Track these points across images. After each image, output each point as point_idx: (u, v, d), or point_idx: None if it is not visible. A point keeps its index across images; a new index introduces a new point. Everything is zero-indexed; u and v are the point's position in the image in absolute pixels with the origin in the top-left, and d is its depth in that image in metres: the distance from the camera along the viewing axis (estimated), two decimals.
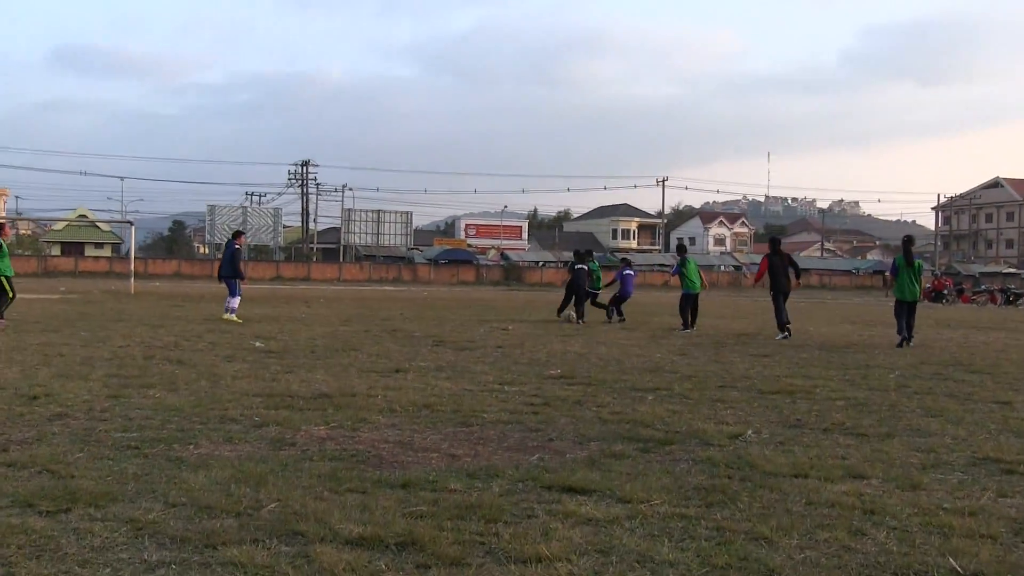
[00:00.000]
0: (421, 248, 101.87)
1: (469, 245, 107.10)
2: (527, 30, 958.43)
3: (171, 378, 10.51)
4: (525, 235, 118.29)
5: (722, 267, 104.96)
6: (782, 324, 19.33)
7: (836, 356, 15.22)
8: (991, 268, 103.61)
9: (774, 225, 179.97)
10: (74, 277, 72.34)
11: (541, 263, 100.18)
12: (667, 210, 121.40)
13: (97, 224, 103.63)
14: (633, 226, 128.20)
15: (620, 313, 24.76)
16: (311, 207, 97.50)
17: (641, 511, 5.15)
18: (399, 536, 4.54)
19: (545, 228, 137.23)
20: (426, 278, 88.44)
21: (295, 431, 7.39)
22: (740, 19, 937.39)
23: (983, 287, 61.60)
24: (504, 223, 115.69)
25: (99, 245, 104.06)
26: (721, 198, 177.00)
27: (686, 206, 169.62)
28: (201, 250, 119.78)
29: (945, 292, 55.26)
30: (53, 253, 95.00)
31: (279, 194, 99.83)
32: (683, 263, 22.60)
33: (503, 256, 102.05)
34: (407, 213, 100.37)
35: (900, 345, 17.37)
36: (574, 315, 23.87)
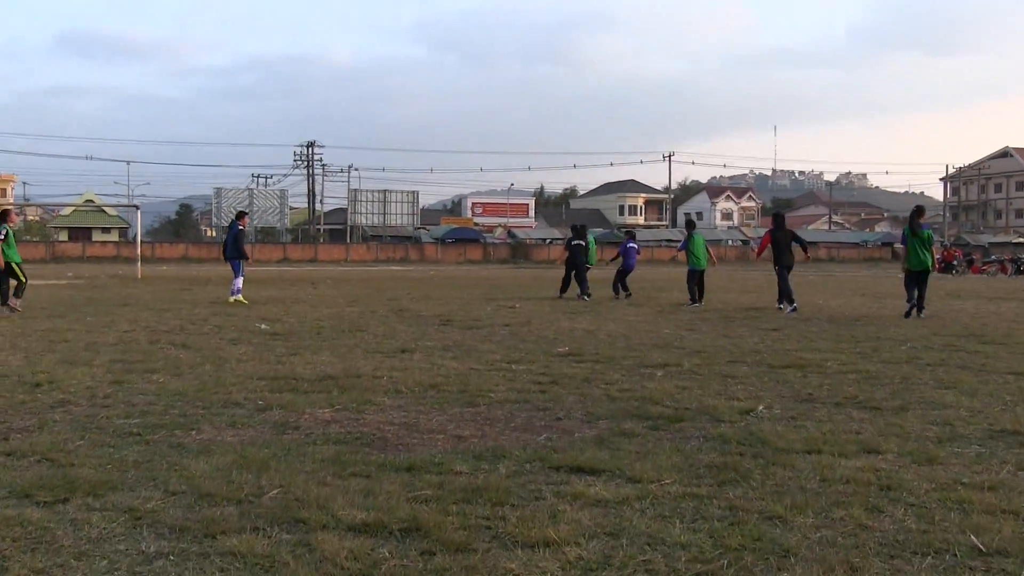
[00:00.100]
0: (428, 227, 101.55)
1: (476, 224, 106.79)
2: (533, 7, 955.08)
3: (175, 362, 10.42)
4: (532, 213, 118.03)
5: (729, 241, 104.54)
6: (789, 296, 19.22)
7: (846, 329, 15.07)
8: (1001, 238, 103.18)
9: (781, 199, 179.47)
10: (82, 262, 72.29)
11: (548, 240, 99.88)
12: (674, 185, 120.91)
13: (104, 209, 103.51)
14: (640, 202, 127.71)
15: (625, 288, 24.62)
16: (317, 188, 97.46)
17: (651, 491, 5.03)
18: (403, 522, 4.43)
19: (552, 205, 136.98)
20: (433, 257, 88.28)
21: (299, 414, 7.29)
22: None
23: (993, 257, 61.34)
24: (511, 201, 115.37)
25: (106, 230, 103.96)
26: (728, 172, 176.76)
27: (693, 181, 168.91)
28: (208, 233, 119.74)
29: (955, 263, 54.95)
30: (60, 239, 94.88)
31: (285, 175, 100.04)
32: (689, 238, 22.45)
33: (510, 234, 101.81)
34: (413, 192, 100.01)
35: (908, 315, 17.33)
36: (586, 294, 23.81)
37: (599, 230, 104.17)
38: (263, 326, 15.03)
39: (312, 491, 4.94)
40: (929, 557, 4.04)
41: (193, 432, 6.60)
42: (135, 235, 64.06)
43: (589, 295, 23.61)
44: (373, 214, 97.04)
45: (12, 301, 17.51)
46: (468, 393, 8.36)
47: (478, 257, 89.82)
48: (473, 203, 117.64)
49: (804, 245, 20.16)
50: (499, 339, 13.25)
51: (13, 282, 17.81)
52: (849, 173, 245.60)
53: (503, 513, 4.62)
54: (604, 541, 4.23)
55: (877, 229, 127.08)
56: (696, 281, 21.69)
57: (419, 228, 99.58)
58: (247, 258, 22.33)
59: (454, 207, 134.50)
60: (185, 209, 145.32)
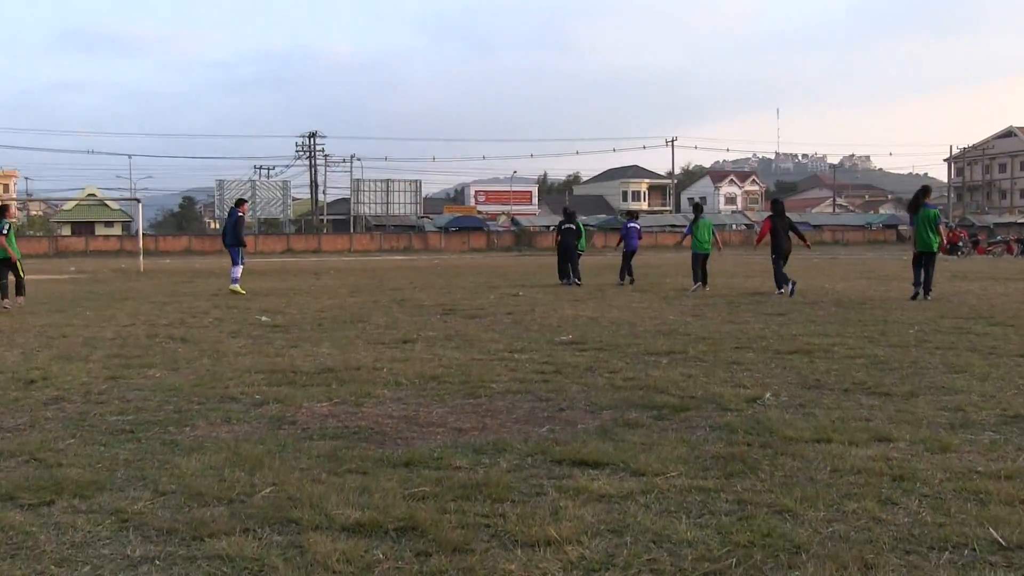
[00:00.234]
0: (431, 216, 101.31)
1: (479, 212, 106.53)
2: None
3: (173, 357, 10.27)
4: (535, 200, 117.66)
5: (733, 226, 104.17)
6: (782, 280, 19.26)
7: (853, 312, 14.89)
8: (1006, 219, 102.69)
9: (785, 182, 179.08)
10: (85, 257, 72.20)
11: (552, 227, 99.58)
12: (677, 170, 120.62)
13: (106, 203, 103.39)
14: (643, 187, 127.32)
15: (630, 273, 24.47)
16: (320, 179, 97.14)
17: (656, 484, 4.87)
18: (399, 521, 4.27)
19: (555, 192, 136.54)
20: (437, 246, 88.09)
21: (296, 408, 7.14)
22: None
23: (999, 238, 61.00)
24: (514, 188, 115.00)
25: (109, 224, 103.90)
26: (731, 156, 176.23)
27: (696, 166, 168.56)
28: (212, 225, 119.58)
29: (960, 244, 54.61)
30: (64, 233, 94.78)
31: (287, 167, 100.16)
32: (693, 222, 22.33)
33: (514, 222, 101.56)
34: (416, 181, 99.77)
35: (914, 297, 17.27)
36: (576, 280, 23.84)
37: (603, 216, 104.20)
38: (264, 318, 14.88)
39: (306, 489, 4.78)
40: (947, 552, 3.87)
41: (187, 428, 6.45)
42: (137, 229, 63.95)
43: (580, 282, 23.67)
44: (376, 204, 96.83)
45: (6, 301, 17.37)
46: (470, 384, 8.20)
47: (482, 245, 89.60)
48: (476, 191, 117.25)
49: (801, 235, 20.37)
50: (502, 328, 13.09)
51: (12, 278, 17.70)
52: (853, 155, 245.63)
53: (503, 510, 4.46)
54: (607, 539, 4.06)
55: (881, 211, 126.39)
56: (699, 264, 21.61)
57: (422, 217, 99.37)
58: (244, 245, 22.28)
59: (457, 195, 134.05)
60: (188, 202, 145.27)
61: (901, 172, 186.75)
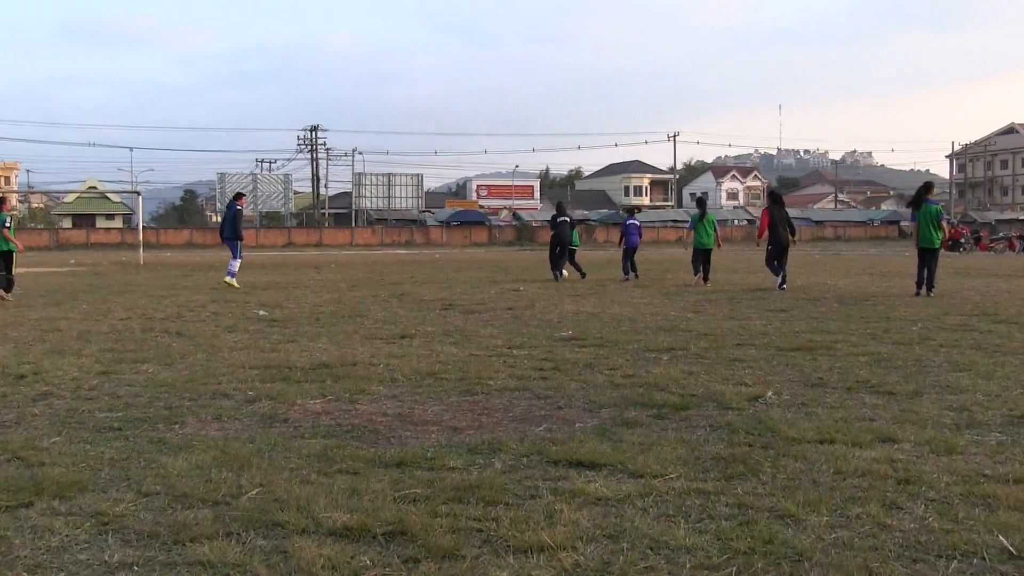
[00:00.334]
0: (433, 210, 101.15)
1: (481, 206, 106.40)
2: None
3: (167, 351, 10.14)
4: (537, 194, 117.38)
5: (735, 221, 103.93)
6: (776, 270, 19.42)
7: (856, 309, 14.75)
8: (1008, 215, 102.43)
9: (787, 178, 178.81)
10: (86, 249, 72.12)
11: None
12: (679, 165, 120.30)
13: (107, 195, 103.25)
14: (645, 182, 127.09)
15: (634, 269, 24.34)
16: (321, 172, 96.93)
17: (655, 487, 4.73)
18: (388, 524, 4.12)
19: (557, 187, 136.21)
20: (438, 240, 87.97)
21: (289, 405, 7.00)
22: None
23: (1001, 234, 60.78)
24: (516, 183, 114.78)
25: (110, 217, 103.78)
26: (733, 152, 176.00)
27: (698, 161, 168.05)
28: (213, 219, 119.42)
29: (962, 240, 54.42)
30: (64, 226, 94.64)
31: (289, 160, 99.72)
32: (701, 217, 22.11)
33: (515, 216, 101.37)
34: (418, 176, 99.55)
35: (916, 294, 17.18)
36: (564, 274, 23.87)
37: (604, 211, 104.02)
38: (261, 312, 14.75)
39: (294, 491, 4.64)
40: (955, 561, 3.72)
41: (176, 426, 6.31)
42: (138, 222, 63.82)
43: (584, 274, 23.76)
44: (377, 198, 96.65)
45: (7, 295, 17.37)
46: (467, 381, 8.07)
47: (483, 240, 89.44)
48: (478, 185, 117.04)
49: (793, 230, 20.29)
50: (501, 323, 12.95)
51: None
52: (855, 151, 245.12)
53: (496, 514, 4.32)
54: (603, 545, 3.92)
55: (883, 207, 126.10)
56: (700, 260, 21.50)
57: (424, 211, 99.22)
58: (242, 238, 22.18)
59: (459, 190, 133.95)
60: (189, 195, 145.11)
61: (903, 168, 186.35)
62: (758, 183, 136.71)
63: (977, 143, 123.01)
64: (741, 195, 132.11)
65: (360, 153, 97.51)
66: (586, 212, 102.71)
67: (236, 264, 21.71)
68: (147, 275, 28.73)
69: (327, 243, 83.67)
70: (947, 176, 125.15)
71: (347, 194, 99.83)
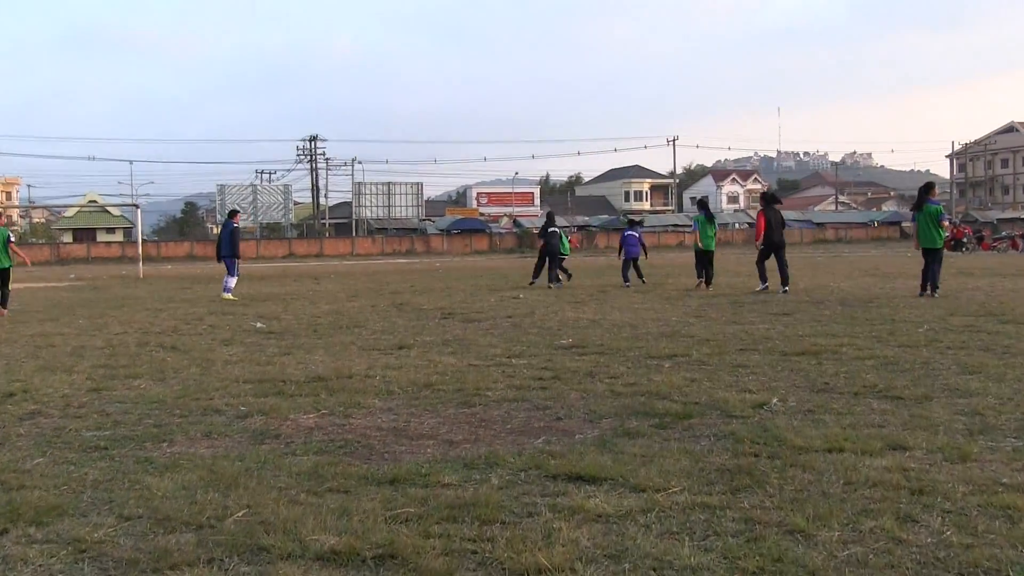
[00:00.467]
0: (433, 219, 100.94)
1: (481, 214, 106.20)
2: None
3: (160, 366, 9.95)
4: (537, 201, 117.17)
5: (736, 224, 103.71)
6: (762, 276, 19.54)
7: (860, 311, 14.54)
8: (1009, 214, 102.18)
9: (787, 180, 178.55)
10: (87, 263, 71.91)
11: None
12: (679, 170, 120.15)
13: (108, 209, 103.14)
14: (645, 187, 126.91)
15: (639, 275, 24.16)
16: (321, 182, 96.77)
17: (658, 502, 4.53)
18: (378, 547, 3.93)
19: (557, 193, 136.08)
20: (439, 249, 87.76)
21: (281, 420, 6.82)
22: None
23: (1004, 233, 60.56)
24: (516, 190, 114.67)
25: (111, 230, 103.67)
26: (732, 155, 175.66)
27: (698, 165, 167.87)
28: (214, 231, 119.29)
29: (964, 240, 54.19)
30: (65, 240, 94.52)
31: (288, 171, 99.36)
32: (709, 219, 21.98)
33: (516, 223, 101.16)
34: (418, 184, 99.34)
35: (921, 295, 17.03)
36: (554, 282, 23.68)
37: (605, 216, 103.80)
38: (258, 324, 14.57)
39: (281, 512, 4.45)
40: None
41: (164, 444, 6.12)
42: (137, 235, 63.65)
43: (559, 284, 23.60)
44: (378, 207, 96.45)
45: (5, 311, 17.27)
46: (464, 392, 7.88)
47: (484, 247, 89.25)
48: (478, 193, 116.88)
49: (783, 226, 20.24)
50: (501, 332, 12.76)
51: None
52: (855, 152, 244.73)
53: (491, 533, 4.12)
54: (603, 566, 3.72)
55: (884, 208, 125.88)
56: (703, 263, 21.39)
57: (424, 220, 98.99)
58: (239, 256, 22.16)
59: (459, 198, 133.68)
60: (190, 207, 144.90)
61: (903, 169, 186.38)
62: (758, 186, 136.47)
63: (977, 142, 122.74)
64: (741, 198, 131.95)
65: (360, 162, 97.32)
66: (587, 218, 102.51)
67: (232, 280, 21.66)
68: (146, 288, 28.55)
69: (328, 253, 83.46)
70: (947, 176, 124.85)
71: (347, 204, 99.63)
